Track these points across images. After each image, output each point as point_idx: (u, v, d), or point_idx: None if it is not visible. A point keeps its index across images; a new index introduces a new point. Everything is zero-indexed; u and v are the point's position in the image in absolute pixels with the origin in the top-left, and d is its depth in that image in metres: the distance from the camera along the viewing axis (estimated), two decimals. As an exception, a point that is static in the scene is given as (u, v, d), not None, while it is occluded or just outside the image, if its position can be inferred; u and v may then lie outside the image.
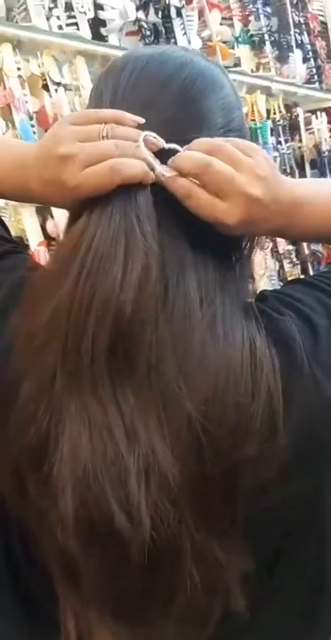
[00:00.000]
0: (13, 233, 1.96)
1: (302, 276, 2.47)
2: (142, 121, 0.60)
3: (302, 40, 2.65)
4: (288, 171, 2.66)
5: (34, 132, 1.88)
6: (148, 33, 2.06)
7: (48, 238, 1.97)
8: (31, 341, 0.56)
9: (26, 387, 0.56)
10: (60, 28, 1.85)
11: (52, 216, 2.01)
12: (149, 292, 0.54)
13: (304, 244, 2.74)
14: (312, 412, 0.58)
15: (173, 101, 0.61)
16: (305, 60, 2.66)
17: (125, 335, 0.54)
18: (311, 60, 2.70)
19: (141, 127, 0.60)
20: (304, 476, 0.60)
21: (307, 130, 2.72)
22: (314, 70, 2.71)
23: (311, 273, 2.53)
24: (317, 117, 2.74)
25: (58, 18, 1.85)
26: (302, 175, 2.73)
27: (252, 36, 2.43)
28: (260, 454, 0.56)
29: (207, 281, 0.59)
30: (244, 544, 0.57)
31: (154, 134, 0.59)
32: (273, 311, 0.61)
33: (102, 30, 1.92)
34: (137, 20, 2.03)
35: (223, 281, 0.60)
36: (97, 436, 0.53)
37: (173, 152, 0.60)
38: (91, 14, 1.90)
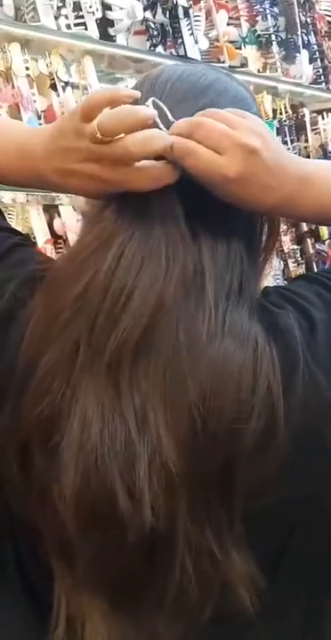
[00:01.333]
0: (20, 231, 1.98)
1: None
2: (138, 94, 0.61)
3: (308, 40, 2.65)
4: (294, 170, 2.66)
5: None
6: (155, 33, 2.07)
7: (55, 236, 1.99)
8: (55, 317, 0.57)
9: (45, 359, 0.57)
10: (68, 27, 1.87)
11: (59, 215, 2.03)
12: (182, 289, 0.56)
13: (309, 244, 2.75)
14: (310, 406, 0.59)
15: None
16: (312, 60, 2.66)
17: (155, 327, 0.55)
18: (318, 60, 2.69)
19: None
20: (305, 472, 0.61)
21: (313, 130, 2.72)
22: (321, 70, 2.71)
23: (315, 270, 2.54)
24: (323, 118, 2.74)
25: (66, 17, 1.87)
26: (308, 175, 2.72)
27: (259, 36, 2.43)
28: (259, 449, 0.56)
29: (224, 279, 0.60)
30: (246, 541, 0.57)
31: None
32: (274, 306, 0.62)
33: (110, 30, 1.93)
34: (144, 20, 2.03)
35: (242, 279, 0.61)
36: (109, 417, 0.55)
37: None
38: (99, 14, 1.91)
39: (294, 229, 2.76)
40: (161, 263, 0.57)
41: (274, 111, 2.58)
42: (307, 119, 2.71)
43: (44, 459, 0.57)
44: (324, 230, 2.75)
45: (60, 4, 1.85)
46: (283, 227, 2.74)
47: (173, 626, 0.59)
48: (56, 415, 0.56)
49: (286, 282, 2.58)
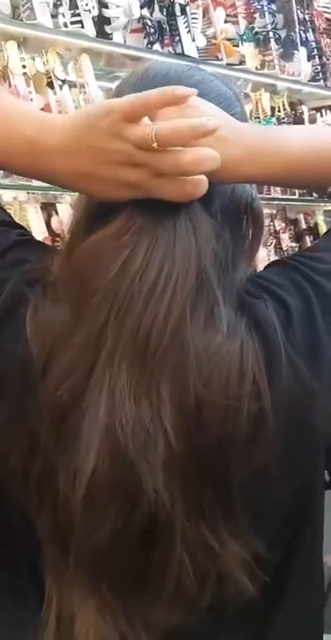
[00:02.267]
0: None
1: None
2: (195, 91, 0.60)
3: (307, 37, 2.65)
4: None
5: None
6: (152, 31, 2.07)
7: (53, 234, 1.99)
8: (80, 306, 0.58)
9: (73, 340, 0.58)
10: (64, 25, 1.87)
11: (56, 212, 2.03)
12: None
13: (308, 241, 2.74)
14: (294, 395, 0.59)
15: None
16: (310, 57, 2.66)
17: (176, 317, 0.58)
18: (316, 57, 2.69)
19: None
20: (296, 462, 0.62)
21: (312, 127, 2.72)
22: (319, 68, 2.71)
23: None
24: (322, 115, 2.75)
25: (63, 15, 1.87)
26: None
27: (256, 33, 2.43)
28: (249, 440, 0.57)
29: (214, 274, 0.61)
30: (244, 532, 0.58)
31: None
32: (251, 296, 0.63)
33: (107, 28, 1.93)
34: (141, 18, 2.03)
35: (228, 273, 0.62)
36: (132, 401, 0.56)
37: None
38: (95, 12, 1.91)
39: (292, 227, 2.76)
40: (181, 261, 0.59)
41: (272, 109, 2.58)
42: (305, 116, 2.71)
43: (57, 442, 0.57)
44: (322, 228, 2.75)
45: (57, 2, 1.85)
46: (282, 224, 2.74)
47: (169, 616, 0.59)
48: (76, 398, 0.57)
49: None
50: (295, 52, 2.58)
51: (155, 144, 0.57)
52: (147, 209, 0.60)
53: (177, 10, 2.11)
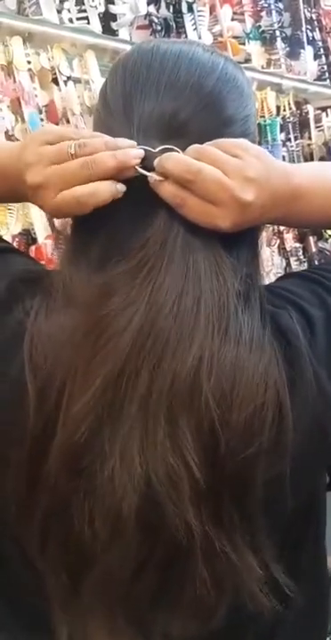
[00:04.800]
0: (21, 226, 1.97)
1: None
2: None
3: (313, 36, 2.63)
4: (297, 168, 2.65)
5: (43, 126, 1.88)
6: (158, 28, 2.05)
7: (56, 232, 1.97)
8: (101, 330, 0.56)
9: (91, 380, 0.56)
10: (70, 21, 1.85)
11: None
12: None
13: (311, 242, 2.73)
14: (314, 403, 0.59)
15: (202, 107, 0.61)
16: (316, 56, 2.64)
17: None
18: (323, 56, 2.67)
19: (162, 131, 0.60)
20: (309, 469, 0.61)
21: (317, 127, 2.70)
22: (325, 67, 2.69)
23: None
24: (327, 115, 2.73)
25: (68, 11, 1.85)
26: (311, 172, 2.71)
27: (263, 32, 2.41)
28: (271, 450, 0.57)
29: (234, 286, 0.60)
30: (260, 542, 0.58)
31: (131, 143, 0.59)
32: (275, 307, 0.62)
33: (113, 24, 1.92)
34: (148, 15, 2.02)
35: (250, 284, 0.61)
36: (151, 438, 0.55)
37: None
38: (101, 8, 1.89)
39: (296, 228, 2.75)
40: (193, 294, 0.58)
41: (278, 108, 2.57)
42: (311, 116, 2.69)
43: (71, 480, 0.56)
44: (326, 228, 2.74)
45: (63, -2, 1.83)
46: (285, 224, 2.73)
47: (186, 628, 0.59)
48: (91, 439, 0.56)
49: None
50: (302, 50, 2.57)
51: (72, 150, 0.58)
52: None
53: (184, 7, 2.09)
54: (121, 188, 0.58)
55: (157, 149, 0.59)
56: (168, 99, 0.60)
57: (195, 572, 0.56)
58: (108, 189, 0.57)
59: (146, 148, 0.59)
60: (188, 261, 0.58)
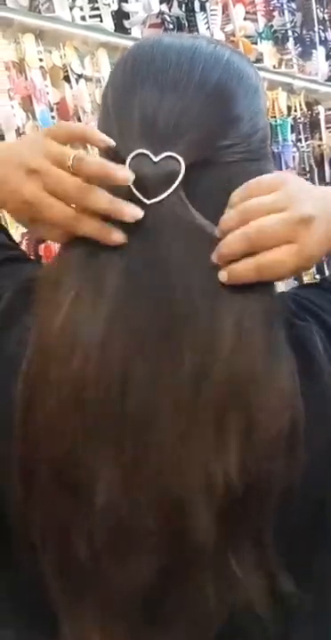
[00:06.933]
0: (23, 228, 1.96)
1: (317, 275, 2.46)
2: (112, 143, 0.56)
3: (326, 37, 2.62)
4: (307, 169, 2.64)
5: (54, 124, 1.88)
6: (171, 26, 2.04)
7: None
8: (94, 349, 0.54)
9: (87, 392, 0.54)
10: (83, 19, 1.84)
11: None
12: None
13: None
14: (329, 417, 0.58)
15: (206, 105, 0.58)
16: (328, 57, 2.63)
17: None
18: (334, 57, 2.67)
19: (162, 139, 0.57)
20: (322, 481, 0.60)
21: (328, 128, 2.69)
22: (337, 68, 2.68)
23: (326, 272, 2.52)
24: (337, 115, 2.72)
25: (81, 9, 1.84)
26: (321, 174, 2.70)
27: (275, 31, 2.40)
28: (286, 465, 0.56)
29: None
30: (268, 557, 0.57)
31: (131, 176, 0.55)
32: (294, 317, 0.61)
33: (125, 23, 1.91)
34: (160, 13, 2.01)
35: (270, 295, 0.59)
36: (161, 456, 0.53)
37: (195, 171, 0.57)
38: (114, 6, 1.88)
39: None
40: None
41: (289, 108, 2.55)
42: (322, 117, 2.68)
43: (60, 496, 0.55)
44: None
45: (76, -5, 1.83)
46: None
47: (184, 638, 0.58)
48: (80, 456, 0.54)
49: (296, 282, 2.55)
50: (313, 51, 2.56)
51: (69, 162, 0.55)
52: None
53: (196, 6, 2.08)
54: (119, 239, 0.55)
55: (158, 158, 0.57)
56: (170, 96, 0.57)
57: (196, 585, 0.55)
58: (96, 229, 0.55)
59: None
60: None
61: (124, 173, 0.55)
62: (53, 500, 0.55)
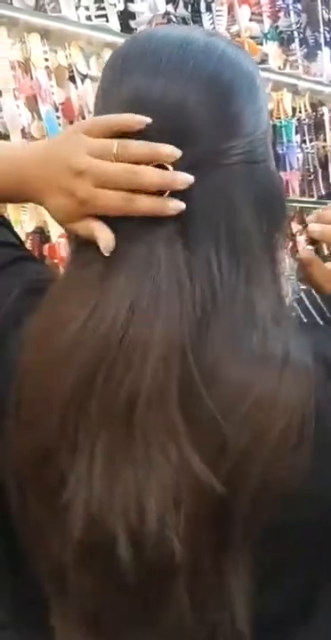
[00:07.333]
0: (35, 224, 1.96)
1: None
2: (148, 120, 0.54)
3: (331, 38, 2.61)
4: (311, 170, 2.64)
5: (59, 124, 1.87)
6: (176, 27, 2.04)
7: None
8: (62, 353, 0.54)
9: (48, 393, 0.53)
10: (89, 19, 1.84)
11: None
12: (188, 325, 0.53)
13: (324, 244, 2.71)
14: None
15: (208, 102, 0.55)
16: (334, 58, 2.63)
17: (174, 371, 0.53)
18: (339, 58, 2.66)
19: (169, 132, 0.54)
20: (322, 495, 0.59)
21: (332, 129, 2.69)
22: (342, 69, 2.67)
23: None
24: (342, 117, 2.71)
25: (87, 9, 1.84)
26: (326, 175, 2.69)
27: (281, 32, 2.40)
28: (286, 471, 0.53)
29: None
30: (250, 565, 0.55)
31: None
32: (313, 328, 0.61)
33: (131, 23, 1.91)
34: (166, 14, 2.01)
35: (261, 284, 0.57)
36: (120, 465, 0.52)
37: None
38: (121, 6, 1.88)
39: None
40: (175, 302, 0.53)
41: (293, 109, 2.55)
42: (326, 118, 2.67)
43: (39, 500, 0.54)
44: (340, 231, 2.72)
45: (82, -5, 1.82)
46: (298, 227, 2.71)
47: None
48: (55, 457, 0.53)
49: (299, 283, 2.55)
50: (319, 52, 2.55)
51: (114, 150, 0.54)
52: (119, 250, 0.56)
53: (202, 6, 2.08)
54: (178, 205, 0.54)
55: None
56: (166, 89, 0.54)
57: (173, 595, 0.54)
58: (159, 204, 0.54)
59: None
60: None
61: (170, 149, 0.53)
62: (37, 501, 0.55)
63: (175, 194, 0.54)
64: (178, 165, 0.54)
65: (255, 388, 0.53)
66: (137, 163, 0.54)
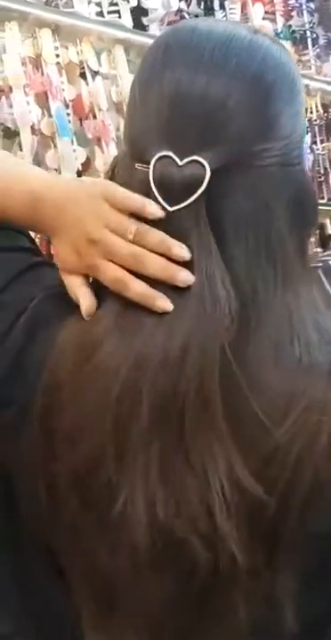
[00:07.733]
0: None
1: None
2: (161, 214, 0.54)
3: (343, 38, 2.59)
4: (322, 172, 2.61)
5: (69, 121, 1.85)
6: (189, 24, 2.02)
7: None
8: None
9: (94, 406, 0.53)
10: (101, 14, 1.81)
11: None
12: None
13: (332, 247, 2.69)
14: None
15: (249, 103, 0.54)
16: (346, 58, 2.60)
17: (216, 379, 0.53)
18: (351, 59, 2.63)
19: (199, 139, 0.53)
20: None
21: (343, 131, 2.67)
22: (354, 70, 2.65)
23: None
24: (354, 118, 2.69)
25: (99, 5, 1.81)
26: (335, 177, 2.67)
27: (294, 31, 2.37)
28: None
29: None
30: (299, 571, 0.54)
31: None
32: None
33: (144, 19, 1.88)
34: (179, 11, 1.98)
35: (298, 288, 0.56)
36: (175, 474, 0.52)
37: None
38: (133, 3, 1.86)
39: (318, 232, 2.71)
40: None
41: (305, 110, 2.52)
42: (337, 119, 2.65)
43: (85, 509, 0.53)
44: (349, 234, 2.70)
45: (95, -9, 1.80)
46: (307, 228, 2.69)
47: None
48: (102, 466, 0.53)
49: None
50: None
51: (131, 236, 0.55)
52: None
53: (215, 4, 2.05)
54: (168, 306, 0.54)
55: (183, 162, 0.54)
56: (209, 86, 0.53)
57: (231, 608, 0.53)
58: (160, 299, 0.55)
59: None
60: None
61: (183, 253, 0.54)
62: (76, 512, 0.54)
63: (208, 192, 0.52)
64: (212, 163, 0.52)
65: (305, 394, 0.53)
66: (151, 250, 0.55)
